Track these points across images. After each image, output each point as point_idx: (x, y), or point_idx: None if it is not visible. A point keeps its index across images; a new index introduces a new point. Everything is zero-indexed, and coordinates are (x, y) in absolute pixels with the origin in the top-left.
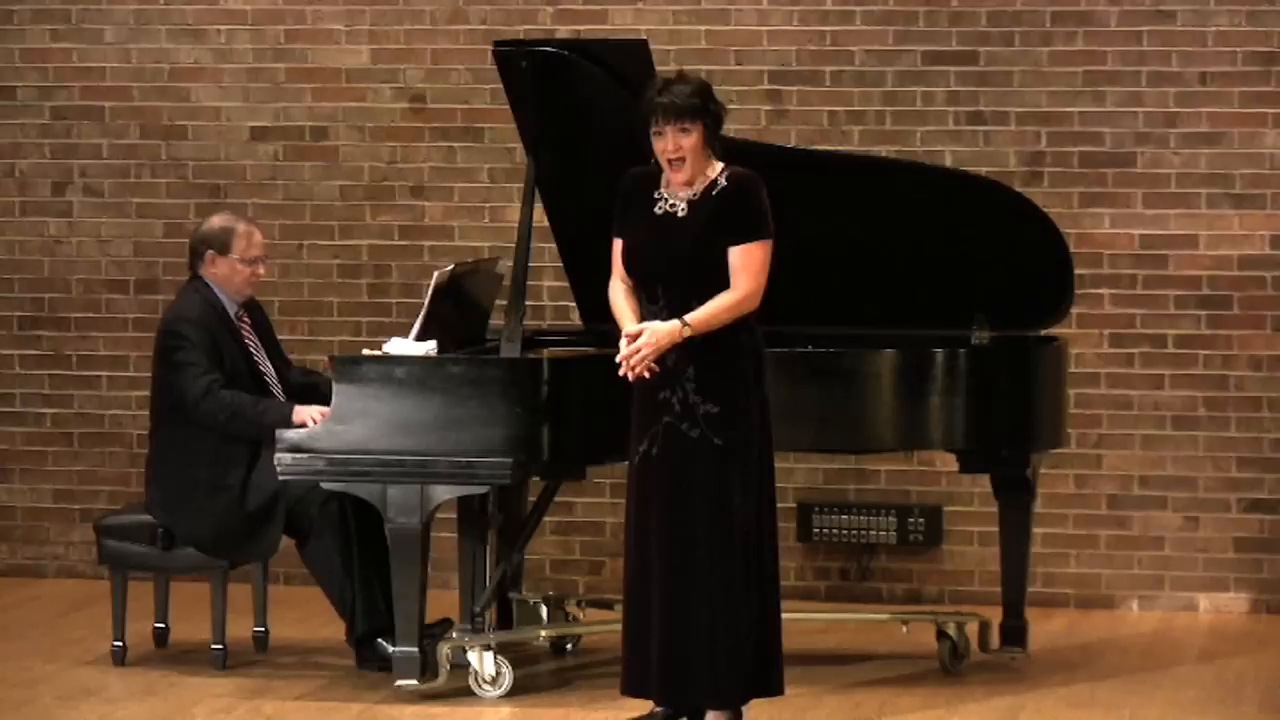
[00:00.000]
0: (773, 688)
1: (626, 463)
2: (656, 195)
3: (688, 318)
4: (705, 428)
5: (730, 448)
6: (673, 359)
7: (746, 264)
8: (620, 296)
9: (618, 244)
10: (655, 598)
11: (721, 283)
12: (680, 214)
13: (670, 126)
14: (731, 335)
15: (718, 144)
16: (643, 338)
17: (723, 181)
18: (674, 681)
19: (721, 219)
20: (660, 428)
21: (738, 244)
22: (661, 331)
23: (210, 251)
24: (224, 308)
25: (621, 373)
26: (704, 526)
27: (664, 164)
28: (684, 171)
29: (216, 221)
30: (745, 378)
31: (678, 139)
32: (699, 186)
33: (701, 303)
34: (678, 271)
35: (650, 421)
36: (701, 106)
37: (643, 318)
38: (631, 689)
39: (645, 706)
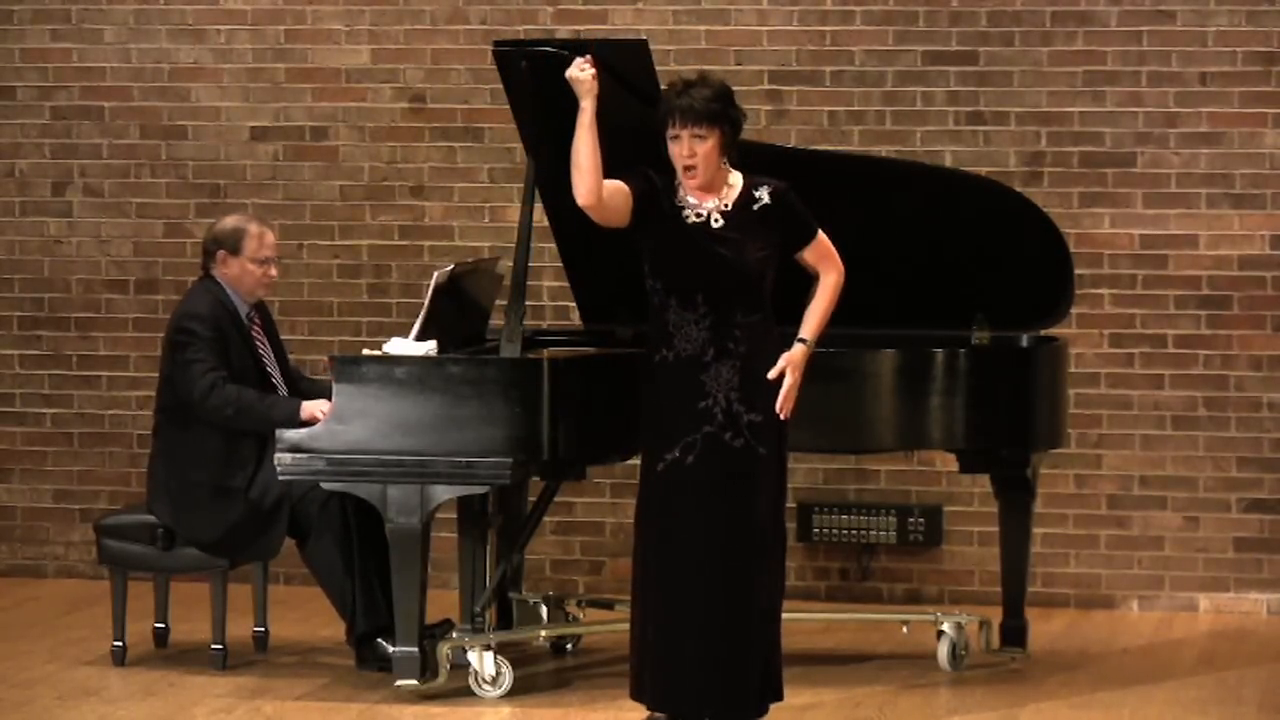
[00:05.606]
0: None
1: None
2: (679, 202)
3: (804, 334)
4: (749, 436)
5: (771, 455)
6: (715, 368)
7: (826, 251)
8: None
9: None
10: (690, 610)
11: (763, 290)
12: (715, 224)
13: (686, 131)
14: (776, 348)
15: (734, 151)
16: (787, 377)
17: (764, 197)
18: (715, 693)
19: (779, 233)
20: (699, 436)
21: (808, 244)
22: (798, 360)
23: (222, 251)
24: (235, 308)
25: (784, 417)
26: (747, 537)
27: (678, 169)
28: (696, 178)
29: (229, 222)
30: (780, 386)
31: (693, 145)
32: (727, 197)
33: (743, 308)
34: (723, 283)
35: (685, 429)
36: (721, 112)
37: (675, 325)
38: (653, 701)
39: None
